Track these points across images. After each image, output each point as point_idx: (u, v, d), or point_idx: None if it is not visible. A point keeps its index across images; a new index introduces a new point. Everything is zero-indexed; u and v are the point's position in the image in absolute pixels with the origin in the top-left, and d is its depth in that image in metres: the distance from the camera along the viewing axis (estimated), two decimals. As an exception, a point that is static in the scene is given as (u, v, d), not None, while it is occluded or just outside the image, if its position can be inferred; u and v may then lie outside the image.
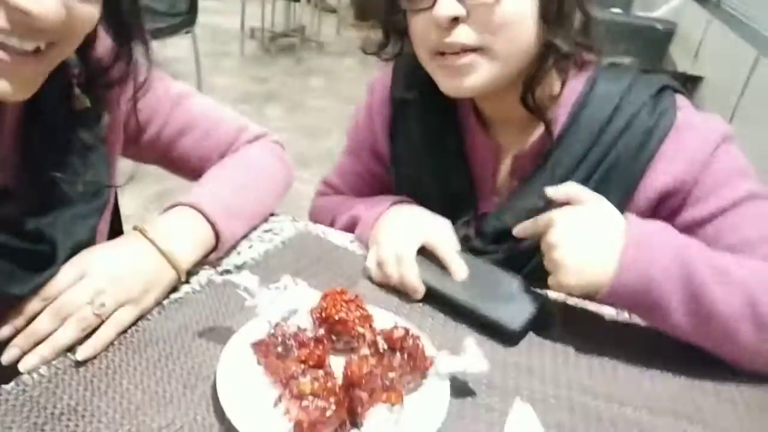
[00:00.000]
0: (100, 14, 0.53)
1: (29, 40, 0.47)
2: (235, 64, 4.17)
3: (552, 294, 0.72)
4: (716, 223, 0.67)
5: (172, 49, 3.68)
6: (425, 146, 0.82)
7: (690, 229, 0.67)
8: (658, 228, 0.61)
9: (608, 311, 0.70)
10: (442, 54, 0.67)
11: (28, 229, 0.55)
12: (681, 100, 0.72)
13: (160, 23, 2.74)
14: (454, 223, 0.77)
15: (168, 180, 0.71)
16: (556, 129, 0.73)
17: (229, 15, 5.06)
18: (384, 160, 0.89)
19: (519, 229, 0.68)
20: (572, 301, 0.72)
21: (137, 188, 2.41)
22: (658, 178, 0.69)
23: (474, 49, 0.65)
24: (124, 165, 0.76)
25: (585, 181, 0.69)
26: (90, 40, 0.61)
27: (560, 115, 0.73)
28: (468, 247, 0.76)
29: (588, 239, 0.60)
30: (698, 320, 0.58)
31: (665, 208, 0.70)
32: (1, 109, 0.57)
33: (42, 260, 0.56)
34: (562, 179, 0.69)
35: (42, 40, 0.48)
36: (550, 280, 0.62)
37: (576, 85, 0.72)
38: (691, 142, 0.68)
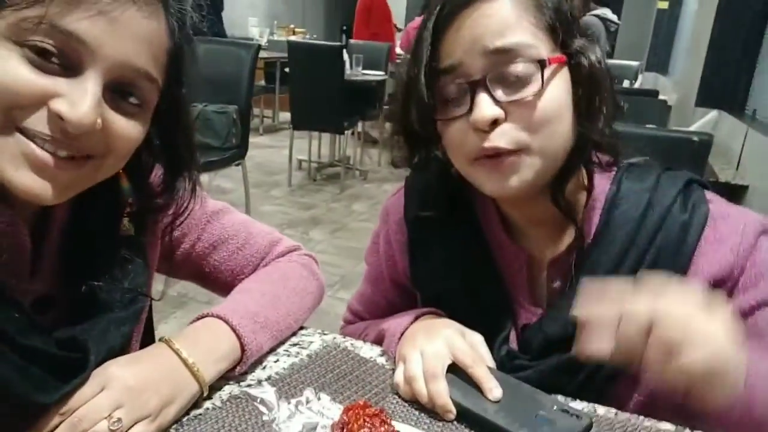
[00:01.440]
0: (143, 136, 0.56)
1: (64, 148, 0.51)
2: (283, 193, 4.38)
3: (601, 411, 0.66)
4: (762, 313, 0.64)
5: (224, 179, 3.91)
6: (450, 264, 0.79)
7: (738, 317, 0.63)
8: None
9: (665, 427, 0.64)
10: (481, 158, 0.66)
11: (64, 337, 0.56)
12: (708, 193, 0.71)
13: (213, 157, 2.94)
14: (492, 339, 0.74)
15: (212, 305, 0.71)
16: (590, 230, 0.71)
17: (279, 149, 5.42)
18: (406, 289, 0.86)
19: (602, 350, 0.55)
20: (622, 420, 0.65)
21: (180, 313, 2.46)
22: (705, 269, 0.67)
23: (515, 151, 0.64)
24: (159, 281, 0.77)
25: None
26: (146, 170, 0.65)
27: (592, 216, 0.72)
28: (513, 364, 0.72)
29: (703, 311, 0.54)
30: None
31: None
32: (47, 221, 0.61)
33: (73, 368, 0.56)
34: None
35: (77, 150, 0.51)
36: (668, 368, 0.54)
37: (602, 185, 0.72)
38: (731, 232, 0.66)
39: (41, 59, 0.48)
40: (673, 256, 0.68)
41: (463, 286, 0.78)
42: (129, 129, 0.54)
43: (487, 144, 0.64)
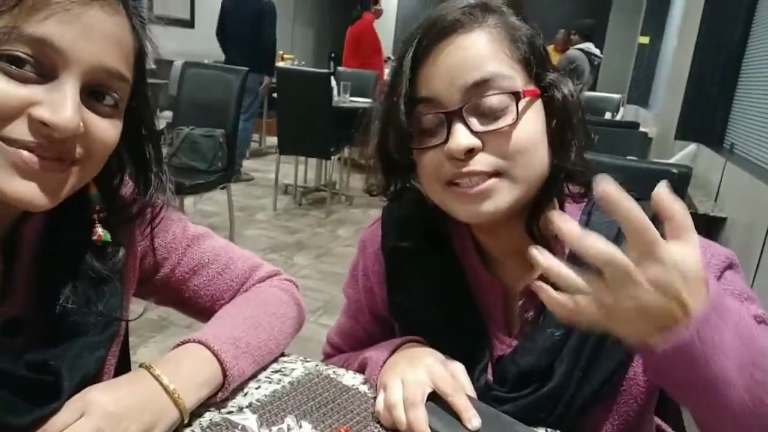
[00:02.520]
0: (117, 139, 0.57)
1: (49, 154, 0.51)
2: (268, 217, 4.37)
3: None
4: None
5: (209, 203, 3.90)
6: (428, 294, 0.78)
7: None
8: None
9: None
10: (456, 183, 0.66)
11: (34, 360, 0.55)
12: None
13: (199, 180, 2.94)
14: (471, 369, 0.73)
15: (194, 331, 0.71)
16: (562, 260, 0.72)
17: (264, 173, 5.42)
18: (386, 320, 0.86)
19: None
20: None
21: (160, 337, 2.42)
22: None
23: (491, 174, 0.65)
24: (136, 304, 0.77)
25: None
26: (113, 177, 0.65)
27: (564, 245, 0.72)
28: (490, 396, 0.72)
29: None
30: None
31: None
32: (19, 241, 0.60)
33: (45, 392, 0.55)
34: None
35: (61, 155, 0.52)
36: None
37: (574, 216, 0.72)
38: None
39: (16, 68, 0.49)
40: None
41: (441, 317, 0.77)
42: (107, 130, 0.55)
43: (464, 170, 0.65)
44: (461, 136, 0.64)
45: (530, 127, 0.66)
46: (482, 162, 0.65)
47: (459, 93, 0.65)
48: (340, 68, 5.66)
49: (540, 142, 0.67)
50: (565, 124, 0.68)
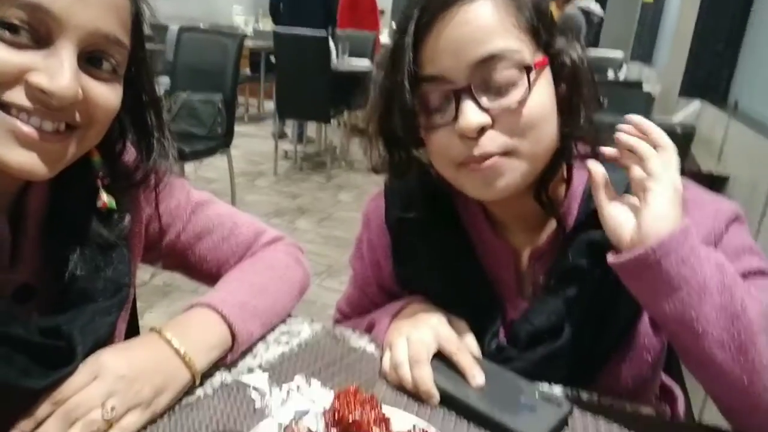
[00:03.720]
0: (119, 104, 0.56)
1: (49, 119, 0.51)
2: (269, 182, 4.36)
3: (584, 396, 0.68)
4: None
5: (209, 169, 3.89)
6: (435, 263, 0.78)
7: None
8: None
9: (646, 411, 0.66)
10: (467, 163, 0.65)
11: (46, 326, 0.56)
12: (683, 180, 0.72)
13: (199, 146, 2.92)
14: (482, 335, 0.74)
15: (199, 295, 0.72)
16: (570, 220, 0.72)
17: (264, 138, 5.39)
18: (393, 293, 0.86)
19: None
20: (604, 405, 0.67)
21: (165, 302, 2.45)
22: None
23: (502, 154, 0.64)
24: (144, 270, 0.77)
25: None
26: (115, 143, 0.65)
27: (571, 206, 0.73)
28: (502, 356, 0.73)
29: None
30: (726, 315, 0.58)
31: None
32: (25, 208, 0.60)
33: (59, 357, 0.56)
34: (589, 268, 0.68)
35: (61, 121, 0.52)
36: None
37: (581, 177, 0.72)
38: (703, 218, 0.67)
39: (10, 34, 0.48)
40: None
41: (449, 285, 0.77)
42: (108, 96, 0.55)
43: (476, 151, 0.63)
44: (472, 114, 0.62)
45: (541, 100, 0.64)
46: (493, 141, 0.63)
47: (466, 69, 0.62)
48: (337, 30, 5.56)
49: (550, 113, 0.65)
50: (575, 91, 0.67)
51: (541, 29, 0.65)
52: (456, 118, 0.63)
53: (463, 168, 0.66)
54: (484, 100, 0.63)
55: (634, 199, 0.62)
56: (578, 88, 0.67)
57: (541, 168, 0.68)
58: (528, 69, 0.62)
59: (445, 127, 0.64)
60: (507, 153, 0.64)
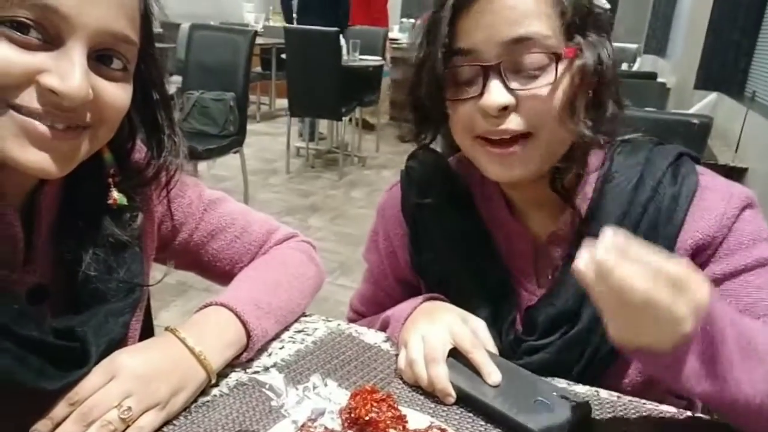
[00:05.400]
0: (129, 103, 0.56)
1: (60, 121, 0.51)
2: (281, 181, 4.37)
3: (603, 395, 0.67)
4: (738, 281, 0.66)
5: (222, 168, 3.90)
6: (452, 249, 0.79)
7: (712, 283, 0.63)
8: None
9: (666, 409, 0.64)
10: (486, 139, 0.67)
11: (60, 327, 0.56)
12: (698, 166, 0.73)
13: (211, 144, 2.93)
14: (499, 322, 0.74)
15: (212, 294, 0.72)
16: (585, 206, 0.72)
17: (276, 136, 5.40)
18: (409, 284, 0.86)
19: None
20: (623, 403, 0.66)
21: (180, 301, 2.47)
22: (690, 235, 0.68)
23: (522, 135, 0.65)
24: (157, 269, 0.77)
25: None
26: (125, 141, 0.65)
27: (587, 192, 0.73)
28: (522, 348, 0.73)
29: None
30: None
31: (695, 263, 0.68)
32: (37, 208, 0.60)
33: (73, 358, 0.56)
34: None
35: (72, 122, 0.51)
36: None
37: (596, 162, 0.73)
38: (717, 202, 0.68)
39: (21, 35, 0.48)
40: (664, 226, 0.69)
41: (468, 273, 0.78)
42: (118, 94, 0.54)
43: (495, 128, 0.65)
44: (497, 93, 0.63)
45: (566, 89, 0.64)
46: (515, 122, 0.64)
47: (498, 47, 0.63)
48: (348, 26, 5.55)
49: (573, 103, 0.65)
50: (600, 86, 0.67)
51: (577, 21, 0.65)
52: (482, 94, 0.64)
53: (480, 143, 0.67)
54: (512, 82, 0.64)
55: None
56: (604, 85, 0.67)
57: (558, 157, 0.68)
58: (558, 57, 0.63)
59: (470, 101, 0.66)
60: (527, 135, 0.65)
